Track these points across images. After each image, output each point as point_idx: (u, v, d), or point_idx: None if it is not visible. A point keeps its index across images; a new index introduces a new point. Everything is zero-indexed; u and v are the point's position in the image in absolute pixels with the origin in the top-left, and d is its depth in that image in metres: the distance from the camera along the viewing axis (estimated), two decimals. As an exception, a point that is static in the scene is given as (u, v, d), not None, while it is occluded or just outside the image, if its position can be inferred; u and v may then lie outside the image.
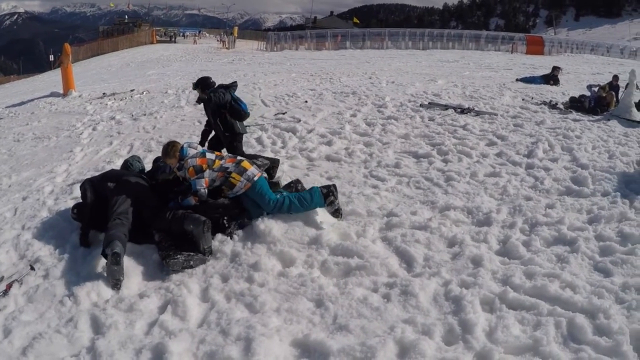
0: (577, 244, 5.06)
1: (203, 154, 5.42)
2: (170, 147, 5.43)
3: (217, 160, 5.41)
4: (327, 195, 5.65)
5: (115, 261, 4.57)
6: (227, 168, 5.40)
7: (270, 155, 8.02)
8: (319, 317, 4.03)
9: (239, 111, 6.91)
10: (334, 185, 5.90)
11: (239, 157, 5.70)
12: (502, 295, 4.16)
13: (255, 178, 5.40)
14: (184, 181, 5.48)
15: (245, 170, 5.41)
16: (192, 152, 5.38)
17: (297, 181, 6.33)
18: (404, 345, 3.56)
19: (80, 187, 5.81)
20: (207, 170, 5.31)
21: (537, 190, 6.74)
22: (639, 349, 3.48)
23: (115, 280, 4.55)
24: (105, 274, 4.64)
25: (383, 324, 3.86)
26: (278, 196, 5.49)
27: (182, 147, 5.42)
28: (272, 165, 6.76)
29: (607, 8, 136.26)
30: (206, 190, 5.30)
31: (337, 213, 5.70)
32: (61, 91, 16.84)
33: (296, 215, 5.48)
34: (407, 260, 4.88)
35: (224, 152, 6.58)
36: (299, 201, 5.46)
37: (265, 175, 5.78)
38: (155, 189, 5.66)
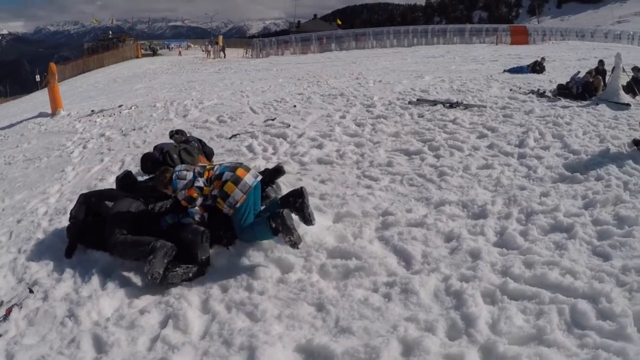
0: (574, 230, 5.06)
1: (192, 183, 5.04)
2: (162, 178, 5.19)
3: (205, 188, 5.06)
4: (275, 230, 4.85)
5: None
6: (215, 195, 5.04)
7: (270, 162, 8.00)
8: (321, 321, 4.01)
9: None
10: (285, 212, 4.84)
11: (225, 177, 5.02)
12: (502, 287, 4.15)
13: (237, 205, 4.94)
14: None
15: (228, 195, 4.92)
16: (181, 184, 5.05)
17: (300, 194, 5.21)
18: (408, 343, 3.55)
19: (76, 202, 5.89)
20: (199, 199, 5.05)
21: (531, 179, 6.75)
22: (644, 330, 3.48)
23: (153, 280, 4.67)
24: (157, 277, 4.69)
25: (385, 324, 3.85)
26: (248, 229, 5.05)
27: (171, 179, 5.11)
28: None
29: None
30: (204, 215, 5.15)
31: (293, 246, 4.88)
32: (49, 111, 16.85)
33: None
34: (405, 258, 4.86)
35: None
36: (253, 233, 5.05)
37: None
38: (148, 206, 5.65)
